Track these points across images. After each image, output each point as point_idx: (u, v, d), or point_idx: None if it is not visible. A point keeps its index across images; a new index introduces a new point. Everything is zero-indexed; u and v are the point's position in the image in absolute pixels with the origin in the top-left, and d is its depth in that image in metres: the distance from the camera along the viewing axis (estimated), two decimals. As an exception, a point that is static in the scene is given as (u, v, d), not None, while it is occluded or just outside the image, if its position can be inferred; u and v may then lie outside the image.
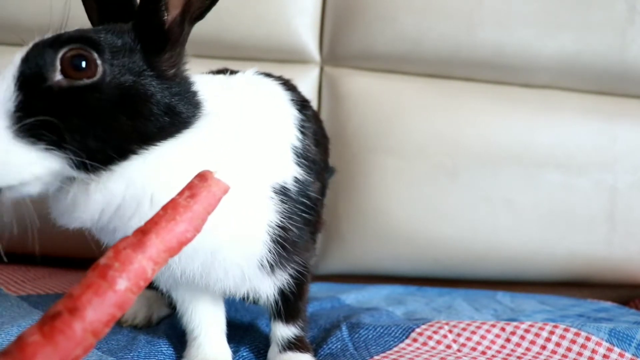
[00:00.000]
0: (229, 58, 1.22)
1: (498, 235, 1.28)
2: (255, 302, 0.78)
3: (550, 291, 1.34)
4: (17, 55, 0.55)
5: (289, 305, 0.76)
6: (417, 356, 0.77)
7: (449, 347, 0.82)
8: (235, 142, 0.64)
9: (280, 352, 0.77)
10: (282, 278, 0.72)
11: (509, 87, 1.33)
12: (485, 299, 1.20)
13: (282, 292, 0.74)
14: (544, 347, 0.82)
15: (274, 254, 0.67)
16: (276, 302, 0.75)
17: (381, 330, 0.85)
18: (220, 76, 0.77)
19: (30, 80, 0.53)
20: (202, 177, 0.47)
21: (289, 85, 0.80)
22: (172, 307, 0.86)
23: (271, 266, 0.68)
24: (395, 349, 0.80)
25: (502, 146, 1.29)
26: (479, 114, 1.30)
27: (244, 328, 0.90)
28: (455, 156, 1.27)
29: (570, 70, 1.31)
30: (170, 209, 0.44)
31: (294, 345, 0.77)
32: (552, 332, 0.83)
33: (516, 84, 1.33)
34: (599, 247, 1.32)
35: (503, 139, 1.29)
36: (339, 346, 0.82)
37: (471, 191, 1.27)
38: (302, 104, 0.78)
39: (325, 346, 0.82)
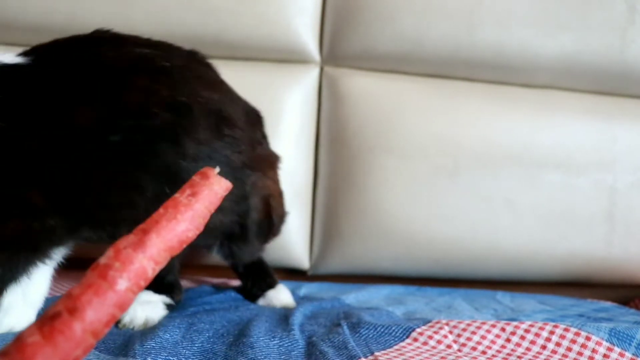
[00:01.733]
0: (229, 58, 1.22)
1: (498, 235, 1.28)
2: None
3: (550, 291, 1.35)
4: None
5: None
6: (417, 355, 0.77)
7: (449, 347, 0.82)
8: None
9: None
10: None
11: (509, 87, 1.34)
12: (485, 298, 1.20)
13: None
14: (544, 347, 0.82)
15: None
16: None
17: (382, 330, 0.85)
18: None
19: None
20: (204, 174, 0.46)
21: None
22: (169, 308, 0.86)
23: None
24: (396, 347, 0.80)
25: (503, 146, 1.29)
26: (479, 114, 1.30)
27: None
28: (455, 156, 1.27)
29: (570, 70, 1.31)
30: (171, 207, 0.44)
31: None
32: (552, 332, 0.83)
33: (516, 84, 1.33)
34: (599, 247, 1.32)
35: (503, 139, 1.29)
36: (340, 341, 0.81)
37: (471, 191, 1.27)
38: None
39: (327, 341, 0.81)
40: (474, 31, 1.27)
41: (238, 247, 0.91)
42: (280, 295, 1.01)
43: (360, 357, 0.74)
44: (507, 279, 1.34)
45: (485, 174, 1.28)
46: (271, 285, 1.02)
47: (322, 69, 1.30)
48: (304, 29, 1.25)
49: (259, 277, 1.03)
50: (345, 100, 1.27)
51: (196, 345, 0.72)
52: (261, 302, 1.02)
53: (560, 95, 1.34)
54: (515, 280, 1.35)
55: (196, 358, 0.68)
